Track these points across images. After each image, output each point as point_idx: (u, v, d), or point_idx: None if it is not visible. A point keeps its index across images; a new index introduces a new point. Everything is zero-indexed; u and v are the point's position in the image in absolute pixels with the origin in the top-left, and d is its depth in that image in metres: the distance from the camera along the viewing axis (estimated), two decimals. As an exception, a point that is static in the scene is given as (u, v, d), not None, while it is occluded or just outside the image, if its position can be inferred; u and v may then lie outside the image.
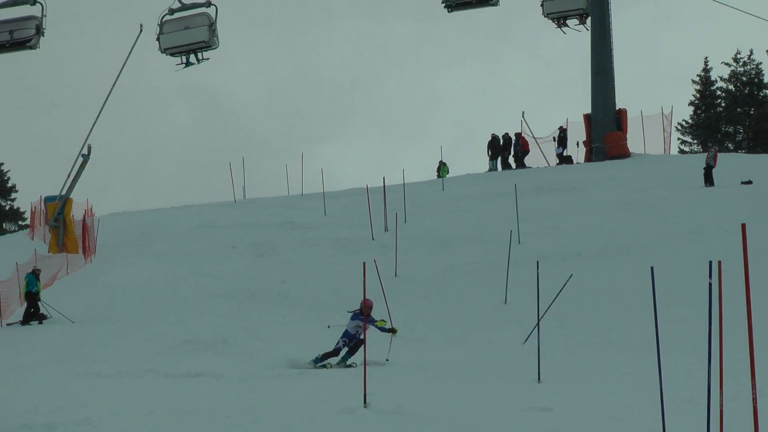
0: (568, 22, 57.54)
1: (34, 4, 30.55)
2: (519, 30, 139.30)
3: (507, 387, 20.71)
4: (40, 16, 30.58)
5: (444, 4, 40.98)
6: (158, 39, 41.79)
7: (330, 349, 23.86)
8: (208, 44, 41.37)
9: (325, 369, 23.83)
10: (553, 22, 57.62)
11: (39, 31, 30.75)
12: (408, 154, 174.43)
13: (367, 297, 21.61)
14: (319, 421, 16.89)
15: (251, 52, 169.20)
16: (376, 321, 23.62)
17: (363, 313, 22.87)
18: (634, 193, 44.21)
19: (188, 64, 42.14)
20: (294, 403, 19.04)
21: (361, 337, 21.77)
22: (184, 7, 41.81)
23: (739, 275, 12.14)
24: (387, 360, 23.72)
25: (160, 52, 42.40)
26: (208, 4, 41.12)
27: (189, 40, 40.82)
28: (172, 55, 42.18)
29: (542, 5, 58.26)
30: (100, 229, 45.36)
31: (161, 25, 41.62)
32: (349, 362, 23.39)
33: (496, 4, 42.32)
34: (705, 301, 12.92)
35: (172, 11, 41.12)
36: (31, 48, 31.43)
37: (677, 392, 15.05)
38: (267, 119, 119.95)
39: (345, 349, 23.52)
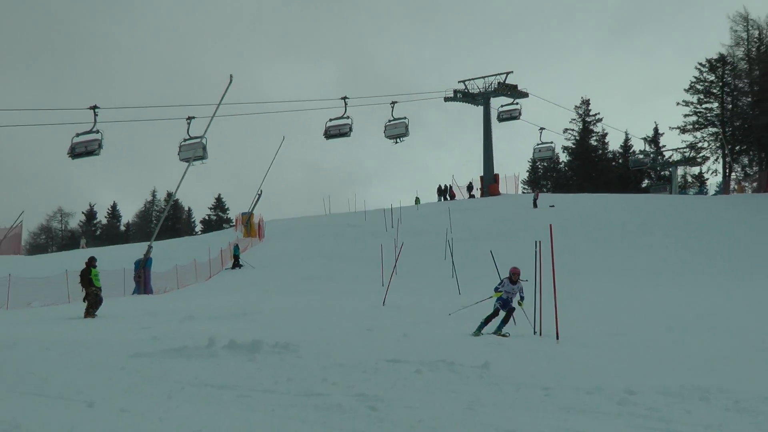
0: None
1: (97, 132, 27.18)
2: (450, 136, 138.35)
3: (447, 297, 20.75)
4: (100, 138, 27.20)
5: (324, 135, 35.51)
6: (384, 131, 37.92)
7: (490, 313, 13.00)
8: (406, 134, 37.58)
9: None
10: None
11: (100, 145, 27.39)
12: (402, 193, 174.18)
13: (513, 267, 13.25)
14: (362, 310, 17.10)
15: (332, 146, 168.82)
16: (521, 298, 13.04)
17: (513, 281, 12.85)
18: (502, 211, 43.83)
19: (396, 142, 38.28)
20: (351, 302, 19.34)
21: (513, 305, 12.83)
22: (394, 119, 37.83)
23: (548, 249, 12.14)
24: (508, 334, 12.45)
25: (384, 137, 38.40)
26: (404, 118, 37.66)
27: (397, 133, 37.41)
28: (389, 138, 37.93)
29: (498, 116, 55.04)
30: (266, 226, 45.21)
31: (387, 125, 37.85)
32: (503, 332, 12.47)
33: (348, 135, 35.62)
34: (533, 261, 12.94)
35: (392, 105, 37.59)
36: (96, 155, 27.95)
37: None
38: (340, 177, 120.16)
39: (501, 316, 12.74)
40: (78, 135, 27.17)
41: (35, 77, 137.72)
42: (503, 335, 12.35)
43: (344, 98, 34.59)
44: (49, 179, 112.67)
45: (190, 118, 30.19)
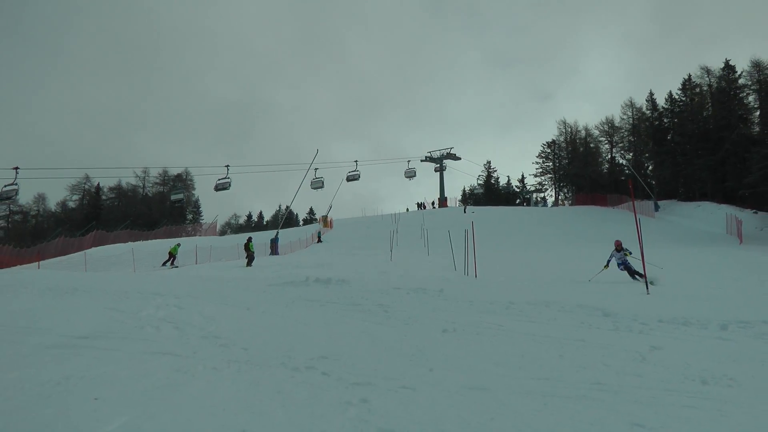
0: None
1: (228, 178, 21.41)
2: (424, 177, 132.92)
3: (422, 256, 19.59)
4: (230, 181, 21.56)
5: (345, 180, 28.85)
6: (404, 174, 31.41)
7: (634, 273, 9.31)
8: (414, 176, 30.57)
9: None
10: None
11: (230, 185, 21.94)
12: (399, 205, 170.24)
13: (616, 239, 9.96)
14: (381, 262, 16.33)
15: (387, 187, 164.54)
16: (626, 253, 9.44)
17: (617, 249, 9.49)
18: (449, 215, 42.89)
19: (410, 179, 30.61)
20: (375, 258, 18.21)
21: (628, 263, 9.42)
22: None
23: (471, 234, 11.91)
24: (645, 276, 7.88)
25: (404, 177, 31.47)
26: (414, 168, 30.88)
27: (411, 174, 30.61)
28: (407, 177, 30.61)
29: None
30: (334, 222, 44.33)
31: (405, 171, 31.53)
32: (639, 279, 8.92)
33: (358, 180, 27.77)
34: (463, 241, 12.68)
35: (408, 161, 31.37)
36: (227, 190, 21.81)
37: (447, 262, 14.57)
38: (369, 197, 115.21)
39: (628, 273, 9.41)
40: (219, 180, 23.84)
41: (229, 149, 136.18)
42: (641, 279, 8.69)
43: (356, 161, 33.03)
44: (228, 199, 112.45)
45: (315, 169, 27.39)
